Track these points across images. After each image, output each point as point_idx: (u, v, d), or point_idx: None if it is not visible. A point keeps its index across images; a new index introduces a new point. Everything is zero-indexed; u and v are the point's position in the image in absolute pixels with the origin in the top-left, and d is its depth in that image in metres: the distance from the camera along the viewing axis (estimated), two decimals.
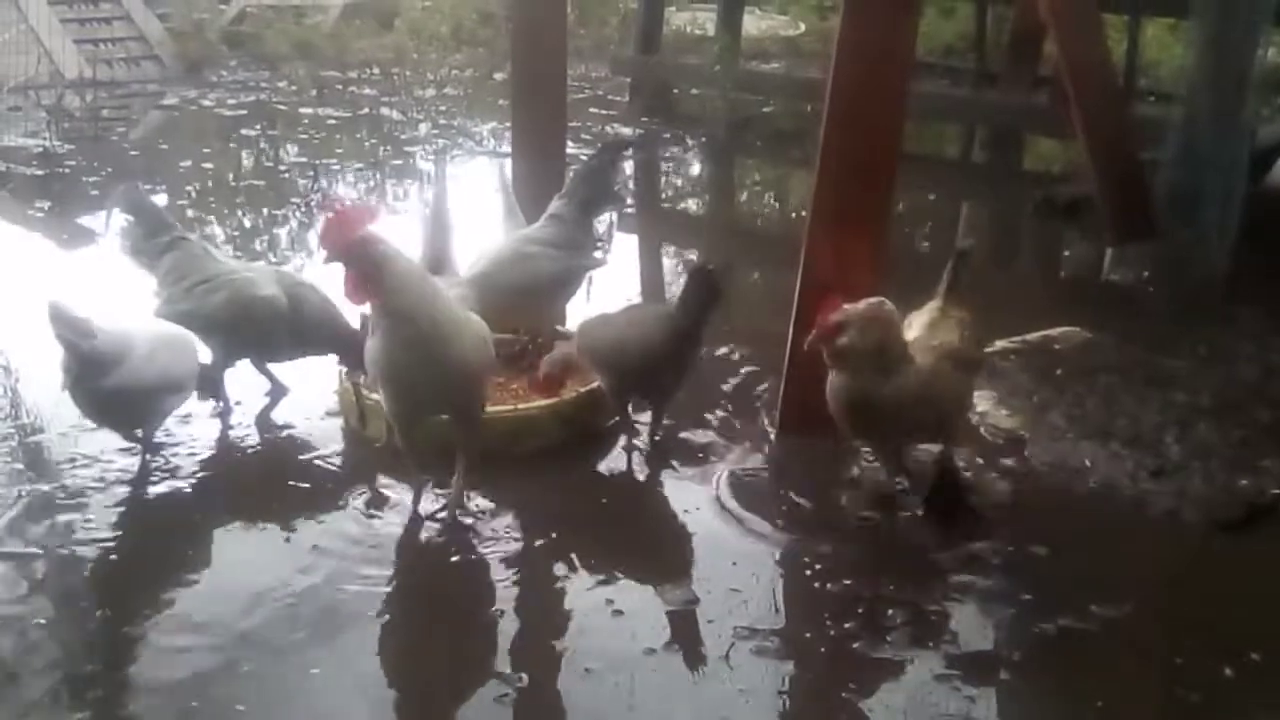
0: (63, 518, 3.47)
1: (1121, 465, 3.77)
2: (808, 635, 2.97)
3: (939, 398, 3.35)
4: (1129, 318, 5.29)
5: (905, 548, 3.41)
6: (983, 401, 4.21)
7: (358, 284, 3.11)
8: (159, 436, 3.88)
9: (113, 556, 3.31)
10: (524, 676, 2.82)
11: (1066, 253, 6.98)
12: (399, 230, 6.63)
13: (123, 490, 3.63)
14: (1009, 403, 4.21)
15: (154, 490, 3.66)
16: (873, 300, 3.23)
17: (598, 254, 4.69)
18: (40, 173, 7.58)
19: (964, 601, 3.12)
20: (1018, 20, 8.77)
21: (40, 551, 3.30)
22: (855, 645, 2.93)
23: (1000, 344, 4.66)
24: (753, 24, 11.70)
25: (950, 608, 3.09)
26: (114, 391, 3.52)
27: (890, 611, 3.05)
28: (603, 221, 6.10)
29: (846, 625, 3.00)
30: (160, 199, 7.21)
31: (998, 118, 9.07)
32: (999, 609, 3.09)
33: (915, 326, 3.46)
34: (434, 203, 4.60)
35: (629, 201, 7.38)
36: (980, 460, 3.82)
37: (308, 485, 3.75)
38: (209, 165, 8.09)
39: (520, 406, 3.95)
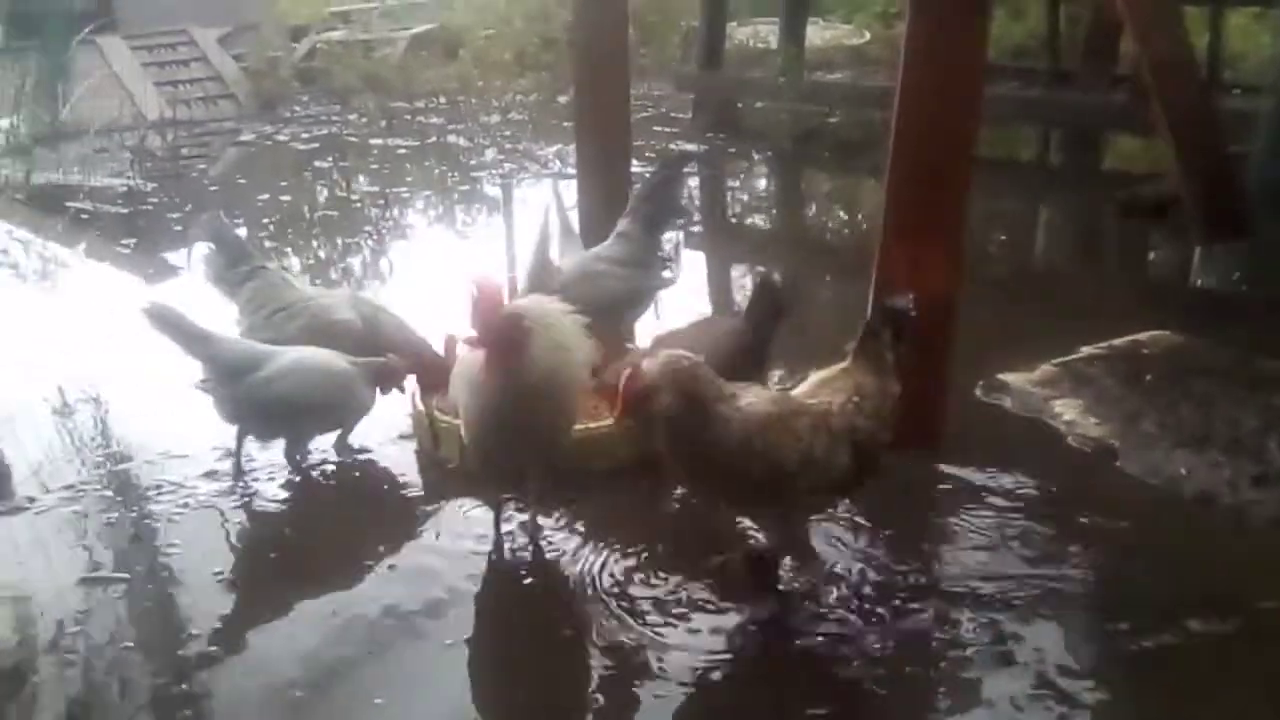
0: (148, 543, 3.54)
1: (1220, 473, 3.62)
2: (890, 654, 2.87)
3: (772, 456, 2.84)
4: (1221, 320, 5.11)
5: (992, 567, 3.29)
6: (1070, 410, 4.08)
7: (500, 356, 3.10)
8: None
9: (196, 580, 3.34)
10: (600, 698, 2.78)
11: (1153, 254, 6.80)
12: (473, 253, 6.76)
13: (206, 515, 3.70)
14: (1097, 411, 4.07)
15: (235, 515, 3.72)
16: (665, 356, 2.86)
17: (666, 272, 4.65)
18: (125, 211, 7.83)
19: (1053, 618, 3.00)
20: (1093, 17, 8.58)
21: (127, 576, 3.37)
22: (941, 664, 2.83)
23: (1086, 350, 4.53)
24: (816, 34, 11.63)
25: (1038, 624, 2.97)
26: (239, 400, 3.77)
27: (976, 629, 2.94)
28: (670, 240, 6.08)
29: (930, 644, 2.90)
30: (240, 231, 7.37)
31: (1075, 118, 8.88)
32: (1092, 626, 2.98)
33: (810, 383, 3.14)
34: (542, 224, 4.51)
35: (695, 216, 7.34)
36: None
37: (383, 507, 3.78)
38: (285, 198, 8.25)
39: (592, 425, 3.90)
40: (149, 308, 3.81)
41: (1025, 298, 5.72)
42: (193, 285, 4.67)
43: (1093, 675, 2.80)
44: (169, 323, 3.77)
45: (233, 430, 3.97)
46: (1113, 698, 2.72)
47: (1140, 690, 2.77)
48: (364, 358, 3.96)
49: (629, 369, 3.71)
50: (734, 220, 7.97)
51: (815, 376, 3.15)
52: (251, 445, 4.05)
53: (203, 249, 4.43)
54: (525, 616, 3.19)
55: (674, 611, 3.09)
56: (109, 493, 3.88)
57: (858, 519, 3.57)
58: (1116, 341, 4.62)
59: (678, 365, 2.84)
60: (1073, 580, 3.16)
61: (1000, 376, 4.36)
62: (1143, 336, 4.67)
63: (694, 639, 2.97)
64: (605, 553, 3.38)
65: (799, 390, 3.13)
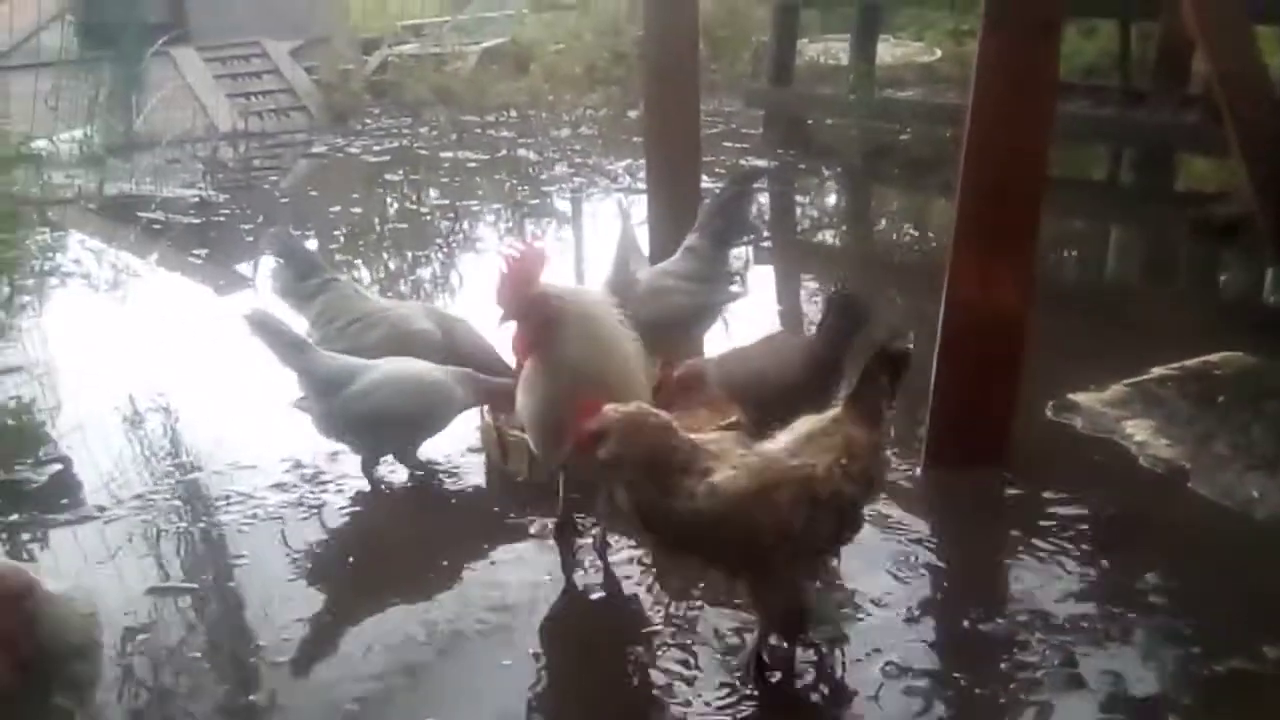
0: (218, 553, 3.60)
1: None
2: (959, 676, 2.87)
3: (749, 527, 2.63)
4: None
5: (1063, 589, 3.27)
6: (1141, 431, 4.05)
7: (530, 341, 3.08)
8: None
9: (263, 591, 3.40)
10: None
11: (1225, 275, 6.70)
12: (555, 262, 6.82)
13: (275, 526, 3.75)
14: (1168, 432, 4.03)
15: (304, 526, 3.77)
16: (633, 407, 2.71)
17: (734, 287, 4.67)
18: (197, 221, 7.94)
19: (1125, 642, 2.98)
20: (1164, 36, 8.48)
21: (196, 586, 3.43)
22: (1010, 687, 2.83)
23: (1157, 370, 4.48)
24: (887, 51, 11.59)
25: (1110, 649, 2.95)
26: (331, 414, 3.82)
27: (1046, 652, 2.93)
28: (740, 255, 6.10)
29: (1000, 666, 2.89)
30: (311, 244, 7.50)
31: (1147, 137, 8.77)
32: (1163, 650, 2.95)
33: (790, 432, 2.84)
34: (621, 234, 4.52)
35: (764, 232, 7.35)
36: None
37: (450, 522, 3.83)
38: (356, 210, 8.36)
39: None
40: (250, 314, 3.88)
41: (1096, 317, 5.66)
42: (264, 297, 4.75)
43: (1163, 699, 2.78)
44: (269, 330, 3.83)
45: (306, 442, 4.04)
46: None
47: (1214, 715, 2.74)
48: (453, 367, 3.98)
49: (679, 371, 3.82)
50: (803, 236, 7.97)
51: (805, 425, 2.85)
52: (321, 457, 4.13)
53: (271, 262, 4.48)
54: (588, 638, 3.21)
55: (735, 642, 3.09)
56: (178, 503, 3.94)
57: (926, 538, 3.58)
58: (1188, 362, 4.57)
59: (638, 420, 2.66)
60: (1144, 603, 3.14)
61: (1071, 396, 4.33)
62: (1214, 357, 4.61)
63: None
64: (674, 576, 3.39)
65: (785, 443, 2.80)
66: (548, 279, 3.12)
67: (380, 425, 3.83)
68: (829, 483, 2.70)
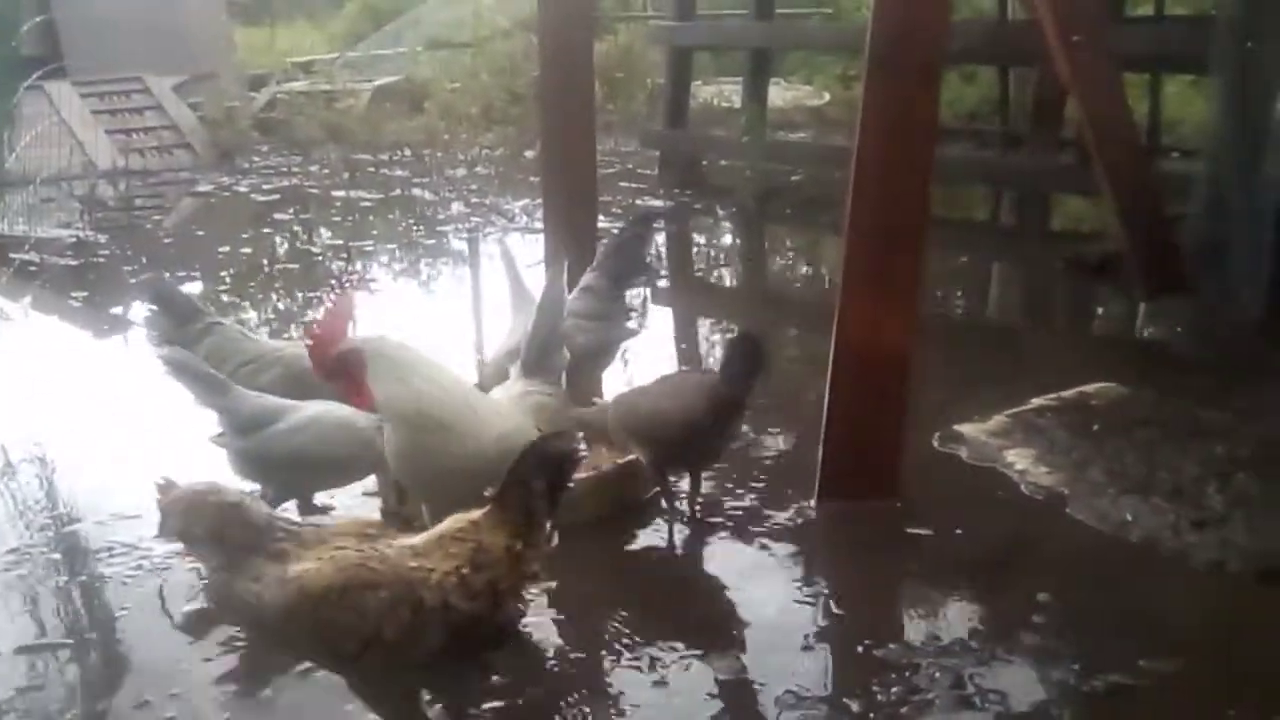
0: (99, 607, 3.48)
1: (1164, 518, 3.73)
2: (853, 702, 2.94)
3: (326, 626, 2.41)
4: (1165, 371, 5.27)
5: (952, 613, 3.38)
6: (1022, 460, 4.20)
7: (354, 394, 3.18)
8: None
9: (148, 645, 3.28)
10: None
11: (1099, 309, 6.98)
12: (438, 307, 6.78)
13: (160, 577, 3.62)
14: (1047, 460, 4.19)
15: (190, 576, 3.59)
16: (200, 485, 2.57)
17: (630, 325, 4.73)
18: (75, 263, 7.68)
19: (1010, 662, 3.08)
20: (1040, 82, 8.85)
21: (73, 642, 3.31)
22: (903, 710, 2.89)
23: (1036, 401, 4.66)
24: (779, 95, 11.87)
25: (997, 668, 3.05)
26: (244, 453, 3.73)
27: (937, 675, 3.02)
28: (636, 294, 6.16)
29: (893, 690, 2.97)
30: (196, 286, 7.35)
31: (1025, 179, 9.12)
32: (1046, 668, 3.05)
33: (434, 531, 2.60)
34: (544, 302, 4.16)
35: (661, 273, 7.44)
36: None
37: None
38: (244, 250, 8.22)
39: None
40: (167, 355, 3.78)
41: (978, 351, 5.86)
42: (144, 341, 4.54)
43: (1048, 715, 2.88)
44: (187, 370, 3.72)
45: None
46: None
47: None
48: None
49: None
50: (699, 275, 8.09)
51: (447, 523, 2.60)
52: None
53: (146, 310, 4.33)
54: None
55: (641, 663, 3.13)
56: (56, 556, 3.80)
57: (820, 568, 3.67)
58: (1065, 393, 4.75)
59: (197, 500, 2.49)
60: (1027, 624, 3.24)
61: (956, 427, 4.47)
62: (1090, 388, 4.80)
63: (661, 693, 3.02)
64: (571, 607, 3.40)
65: (418, 540, 2.56)
66: (355, 331, 3.27)
67: (300, 467, 3.72)
68: (439, 592, 2.40)
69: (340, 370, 3.14)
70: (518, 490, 2.54)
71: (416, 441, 3.16)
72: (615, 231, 4.82)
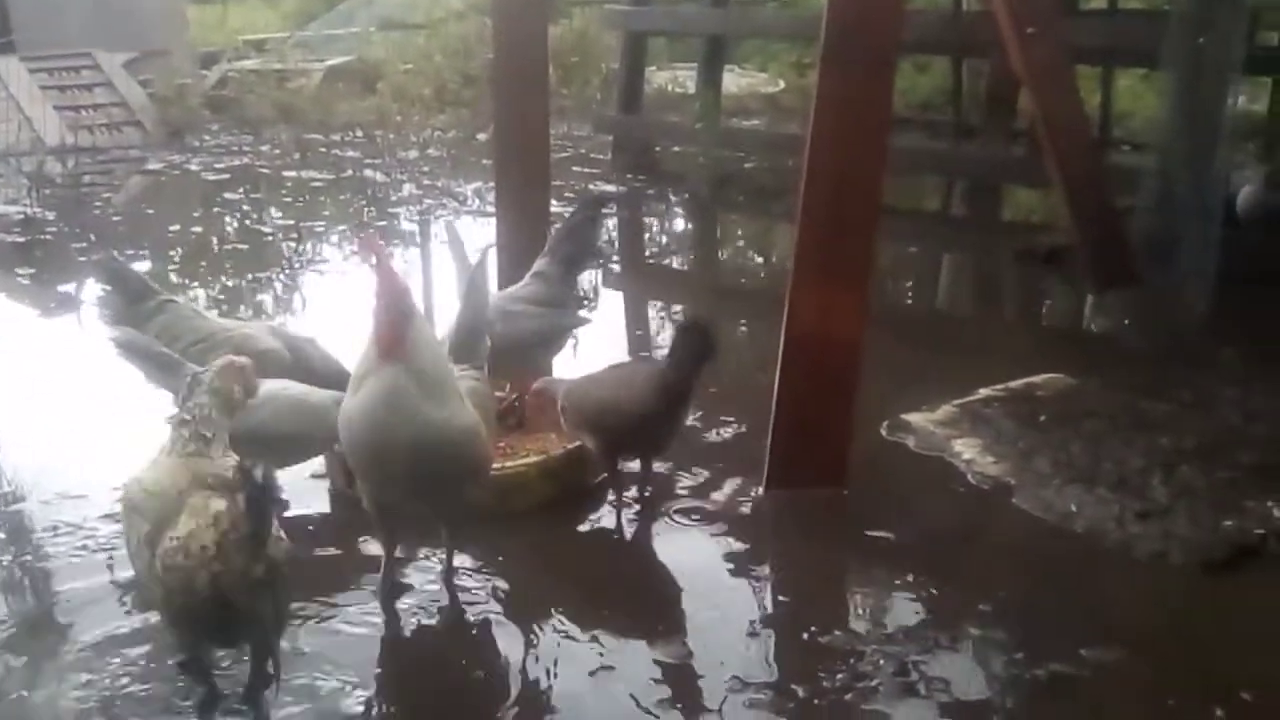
0: (44, 587, 3.43)
1: (1108, 509, 3.78)
2: (799, 688, 2.95)
3: None
4: (1111, 363, 5.33)
5: (897, 601, 3.39)
6: (969, 449, 4.23)
7: (391, 331, 3.05)
8: None
9: (97, 625, 3.23)
10: None
11: (1048, 301, 7.06)
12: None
13: (105, 558, 3.58)
14: (994, 450, 4.22)
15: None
16: None
17: (582, 311, 4.71)
18: (22, 240, 7.57)
19: (954, 650, 3.11)
20: (993, 74, 8.91)
21: (15, 620, 3.26)
22: (847, 697, 2.91)
23: (984, 391, 4.69)
24: (733, 81, 11.89)
25: (941, 656, 3.07)
26: None
27: (881, 662, 3.04)
28: (588, 279, 6.15)
29: (838, 677, 2.98)
30: (145, 264, 7.23)
31: (976, 170, 9.19)
32: (990, 656, 3.08)
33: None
34: (469, 288, 4.03)
35: (614, 257, 7.42)
36: None
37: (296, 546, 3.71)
38: (193, 229, 8.12)
39: (508, 465, 3.94)
40: (117, 336, 3.71)
41: (928, 341, 5.90)
42: (93, 320, 4.46)
43: (991, 704, 2.91)
44: (138, 350, 3.66)
45: (131, 467, 3.88)
46: None
47: (1037, 717, 2.88)
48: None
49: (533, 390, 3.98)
50: (651, 261, 8.08)
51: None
52: None
53: (98, 289, 4.21)
54: (432, 655, 3.19)
55: (588, 648, 3.13)
56: (1, 535, 3.75)
57: (768, 555, 3.68)
58: (1013, 384, 4.79)
59: None
60: (971, 613, 3.27)
61: (904, 416, 4.49)
62: (1037, 379, 4.85)
63: (609, 677, 3.01)
64: (518, 592, 3.40)
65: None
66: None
67: (255, 444, 3.67)
68: None
69: (393, 305, 3.09)
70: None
71: (401, 407, 3.03)
72: (566, 216, 4.78)
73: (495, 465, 3.87)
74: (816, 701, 2.89)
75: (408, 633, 3.25)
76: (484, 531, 3.60)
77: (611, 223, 8.23)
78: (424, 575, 3.49)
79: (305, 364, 4.06)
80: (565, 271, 4.44)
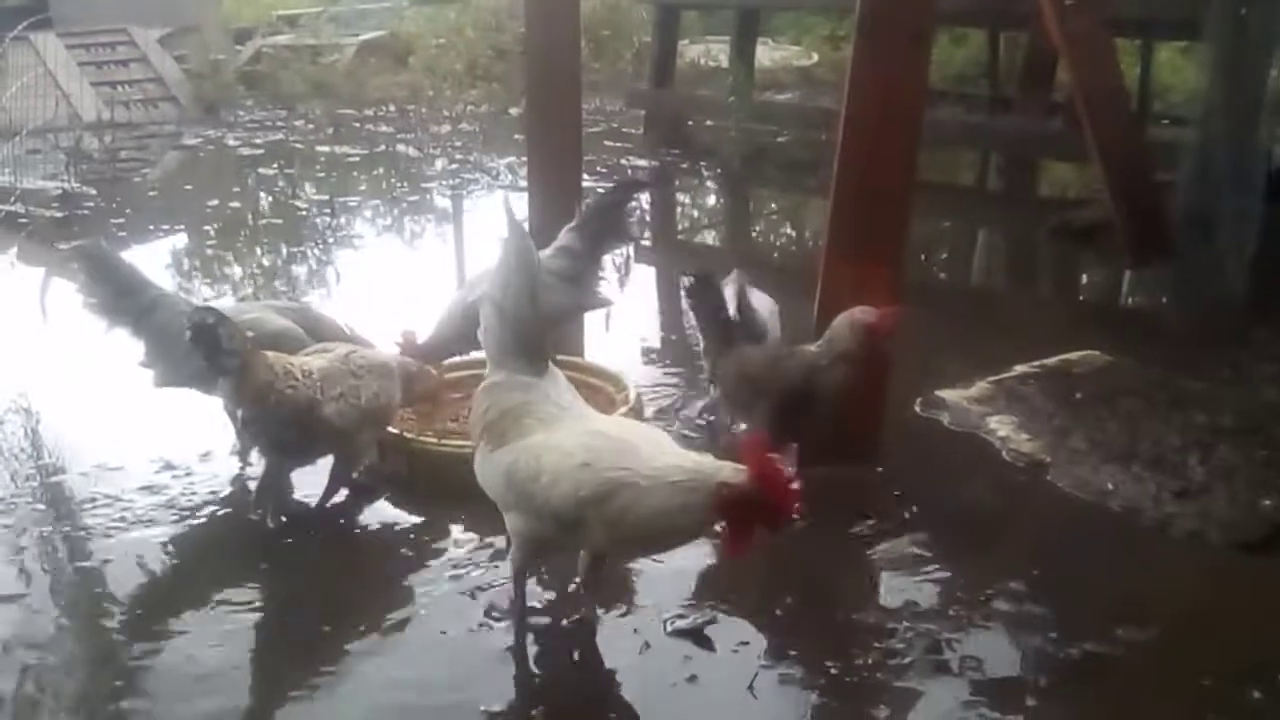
0: (83, 558, 3.48)
1: (1144, 488, 3.75)
2: (831, 665, 2.94)
3: None
4: (1148, 340, 5.27)
5: (930, 578, 3.38)
6: (1004, 427, 4.20)
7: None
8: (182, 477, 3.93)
9: (135, 596, 3.31)
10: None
11: (1084, 277, 6.99)
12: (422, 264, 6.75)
13: (142, 530, 3.63)
14: (1029, 427, 4.19)
15: (175, 528, 3.66)
16: None
17: (603, 292, 4.65)
18: (60, 214, 7.64)
19: (987, 628, 3.10)
20: (1031, 46, 8.81)
21: (59, 591, 3.30)
22: (879, 674, 2.91)
23: (1019, 368, 4.66)
24: (766, 55, 11.79)
25: (974, 634, 3.06)
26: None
27: (913, 639, 3.03)
28: (619, 254, 6.12)
29: (870, 654, 2.98)
30: (181, 239, 7.30)
31: (1012, 144, 9.09)
32: (1023, 635, 3.07)
33: None
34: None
35: (644, 237, 7.40)
36: None
37: (329, 517, 3.75)
38: (228, 204, 8.16)
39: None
40: (82, 246, 3.72)
41: (962, 317, 5.86)
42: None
43: (1024, 682, 2.89)
44: (102, 269, 3.72)
45: (176, 442, 3.96)
46: (1043, 704, 2.81)
47: (1070, 696, 2.86)
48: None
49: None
50: (683, 236, 8.05)
51: None
52: (192, 457, 4.04)
53: (81, 280, 3.94)
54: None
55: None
56: (41, 506, 3.79)
57: (799, 533, 3.67)
58: (1049, 361, 4.75)
59: None
60: (1005, 591, 3.26)
61: (938, 393, 4.47)
62: (1073, 356, 4.80)
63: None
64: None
65: None
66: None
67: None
68: None
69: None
70: None
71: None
72: (600, 191, 4.74)
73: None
74: (848, 679, 2.89)
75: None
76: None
77: (644, 198, 8.21)
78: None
79: (315, 331, 4.05)
80: (591, 248, 4.40)
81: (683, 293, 4.08)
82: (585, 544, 2.89)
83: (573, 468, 2.70)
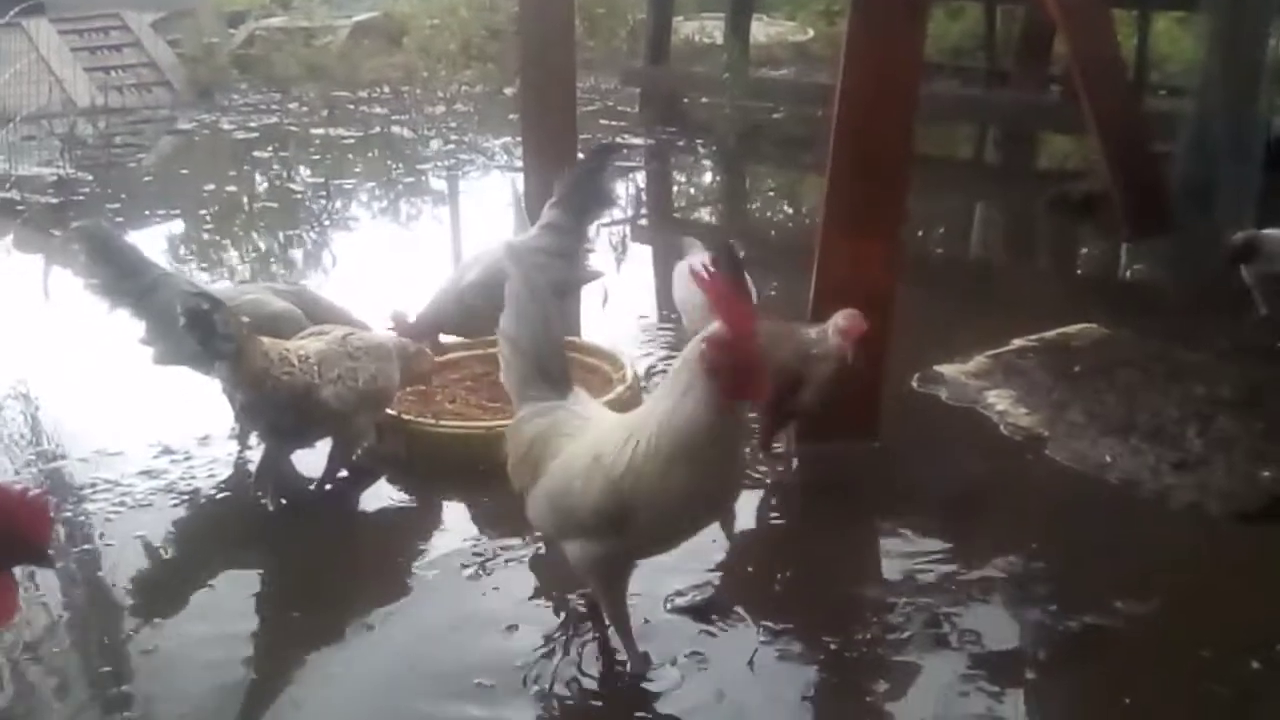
0: (83, 543, 3.49)
1: (1143, 460, 3.75)
2: (830, 639, 2.95)
3: None
4: (1146, 313, 5.27)
5: (929, 553, 3.38)
6: (1002, 401, 4.20)
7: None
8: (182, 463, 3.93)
9: (134, 580, 3.32)
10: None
11: (1082, 249, 6.96)
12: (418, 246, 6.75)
13: (144, 514, 3.64)
14: (1027, 401, 4.19)
15: (174, 512, 3.67)
16: None
17: (592, 265, 4.63)
18: (56, 201, 7.60)
19: (986, 602, 3.10)
20: (1027, 18, 8.75)
21: (59, 576, 3.29)
22: (879, 649, 2.92)
23: (1017, 342, 4.65)
24: (761, 31, 11.70)
25: (973, 608, 3.07)
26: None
27: (913, 613, 3.04)
28: (606, 232, 6.12)
29: (870, 628, 2.99)
30: (177, 225, 7.28)
31: (1010, 116, 9.04)
32: (1022, 608, 3.08)
33: None
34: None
35: (640, 215, 7.38)
36: None
37: (329, 499, 3.76)
38: (224, 188, 8.14)
39: (491, 423, 3.87)
40: (84, 226, 3.74)
41: (960, 291, 5.85)
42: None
43: (1023, 655, 2.91)
44: (104, 249, 3.74)
45: (175, 427, 3.96)
46: (1042, 677, 2.83)
47: (1069, 668, 2.87)
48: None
49: None
50: (680, 214, 8.03)
51: None
52: (191, 441, 4.05)
53: (83, 260, 3.97)
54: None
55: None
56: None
57: (797, 508, 3.67)
58: (1046, 334, 4.75)
59: None
60: (1003, 565, 3.26)
61: (936, 368, 4.47)
62: (1071, 329, 4.80)
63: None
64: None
65: None
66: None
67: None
68: None
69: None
70: None
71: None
72: (576, 165, 4.68)
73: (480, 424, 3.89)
74: (848, 654, 2.90)
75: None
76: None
77: (639, 176, 8.19)
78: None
79: (313, 313, 4.05)
80: (576, 221, 4.38)
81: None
82: (638, 535, 2.65)
83: (591, 462, 2.61)
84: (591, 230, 4.59)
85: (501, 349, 2.92)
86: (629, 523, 2.59)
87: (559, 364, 2.89)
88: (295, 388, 3.46)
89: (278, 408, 3.48)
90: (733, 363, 2.43)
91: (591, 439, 2.69)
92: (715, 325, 2.47)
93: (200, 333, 3.32)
